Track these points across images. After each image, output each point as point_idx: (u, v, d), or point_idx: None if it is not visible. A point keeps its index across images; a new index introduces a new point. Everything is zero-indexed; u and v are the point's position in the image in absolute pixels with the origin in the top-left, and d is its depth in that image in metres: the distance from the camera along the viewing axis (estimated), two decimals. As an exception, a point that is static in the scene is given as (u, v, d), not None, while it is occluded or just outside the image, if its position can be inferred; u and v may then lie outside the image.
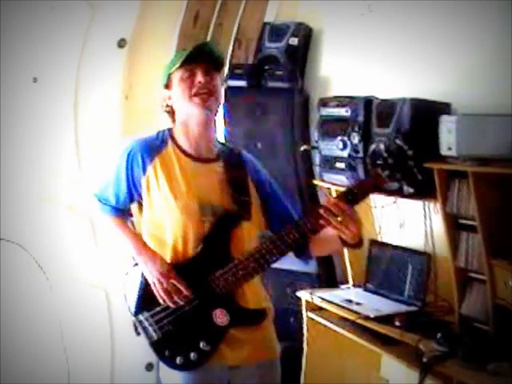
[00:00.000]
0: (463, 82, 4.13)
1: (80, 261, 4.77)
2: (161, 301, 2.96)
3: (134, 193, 3.05)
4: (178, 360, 2.94)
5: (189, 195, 2.97)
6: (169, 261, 3.00)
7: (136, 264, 3.07)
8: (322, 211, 2.82)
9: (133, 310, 3.06)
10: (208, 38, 5.42)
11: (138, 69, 5.00)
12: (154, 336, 2.97)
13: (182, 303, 2.94)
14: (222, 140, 4.99)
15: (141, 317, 3.02)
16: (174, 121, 3.11)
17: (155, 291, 2.97)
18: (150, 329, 2.98)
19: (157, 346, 2.98)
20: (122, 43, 4.93)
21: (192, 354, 2.93)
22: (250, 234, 3.04)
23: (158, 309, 2.99)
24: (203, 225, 2.97)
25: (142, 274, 3.02)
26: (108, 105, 4.88)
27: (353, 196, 2.86)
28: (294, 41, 5.15)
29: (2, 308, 4.47)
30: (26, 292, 4.57)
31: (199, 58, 3.00)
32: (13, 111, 4.52)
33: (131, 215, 3.17)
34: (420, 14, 4.41)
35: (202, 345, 2.93)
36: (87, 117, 4.81)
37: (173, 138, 3.08)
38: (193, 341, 2.95)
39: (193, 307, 2.96)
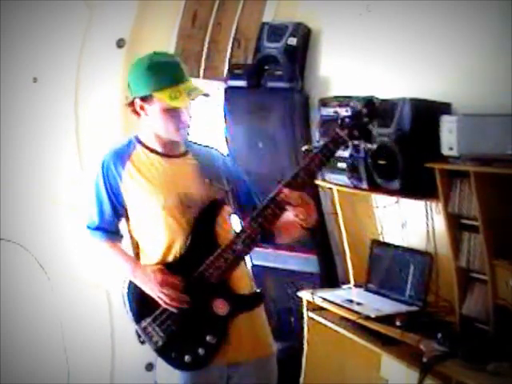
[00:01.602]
0: (463, 82, 4.13)
1: (81, 261, 4.76)
2: (172, 309, 2.98)
3: (116, 204, 3.08)
4: (187, 359, 2.96)
5: (166, 190, 3.02)
6: (159, 260, 3.04)
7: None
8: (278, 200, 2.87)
9: (134, 317, 3.08)
10: (207, 38, 5.42)
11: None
12: (160, 341, 2.99)
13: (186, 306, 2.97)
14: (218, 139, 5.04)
15: (144, 323, 3.03)
16: (138, 117, 3.10)
17: (162, 304, 2.99)
18: (155, 333, 3.00)
19: (162, 350, 3.00)
20: (120, 43, 4.92)
21: (200, 350, 2.95)
22: (229, 216, 3.11)
23: (158, 311, 3.01)
24: (186, 216, 3.01)
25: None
26: (108, 105, 4.87)
27: (301, 181, 2.88)
28: (293, 41, 5.15)
29: (2, 308, 4.46)
30: (27, 292, 4.56)
31: (179, 83, 2.98)
32: (13, 111, 4.51)
33: (122, 237, 3.19)
34: (420, 14, 4.41)
35: (208, 338, 2.95)
36: (88, 117, 4.81)
37: (140, 141, 3.12)
38: (198, 336, 2.96)
39: (191, 303, 2.97)
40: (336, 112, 3.07)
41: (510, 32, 3.80)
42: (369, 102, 2.98)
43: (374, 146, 4.09)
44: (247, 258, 3.15)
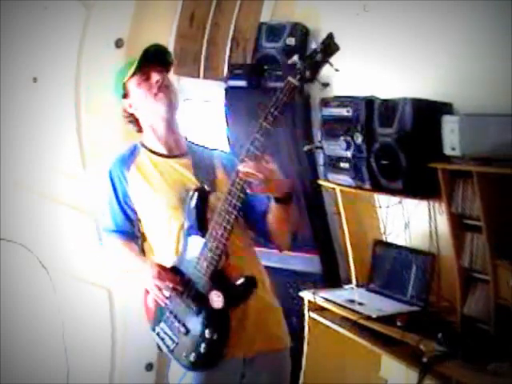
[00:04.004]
0: (464, 82, 4.14)
1: (83, 260, 4.76)
2: (162, 304, 3.06)
3: (128, 210, 3.15)
4: (192, 357, 2.96)
5: (167, 190, 3.06)
6: (169, 260, 3.06)
7: None
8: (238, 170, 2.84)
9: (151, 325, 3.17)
10: (205, 38, 5.41)
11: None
12: (171, 344, 3.04)
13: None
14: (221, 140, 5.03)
15: (157, 329, 3.11)
16: (139, 129, 3.21)
17: (154, 296, 3.07)
18: (167, 337, 3.06)
19: (174, 352, 3.04)
20: (119, 43, 4.91)
21: (202, 346, 2.94)
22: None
23: (167, 314, 3.06)
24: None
25: None
26: (109, 105, 4.86)
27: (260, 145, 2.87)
28: (291, 41, 5.16)
29: (3, 308, 4.45)
30: (29, 292, 4.55)
31: (150, 62, 3.10)
32: (13, 111, 4.50)
33: (137, 237, 3.23)
34: (419, 14, 4.42)
35: (207, 334, 2.93)
36: (89, 117, 4.80)
37: (143, 145, 3.19)
38: (200, 333, 2.96)
39: (191, 300, 2.98)
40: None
41: (510, 32, 3.80)
42: (327, 37, 2.80)
43: (377, 145, 4.10)
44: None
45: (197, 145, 3.28)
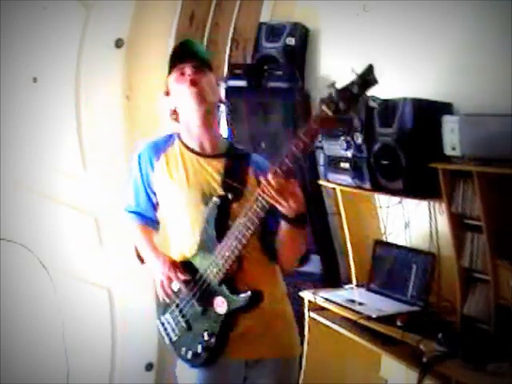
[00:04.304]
0: (464, 82, 4.14)
1: (83, 260, 4.77)
2: (160, 296, 3.10)
3: (149, 193, 3.15)
4: (189, 355, 3.00)
5: (191, 186, 3.05)
6: (180, 256, 3.09)
7: None
8: (261, 189, 2.79)
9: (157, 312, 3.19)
10: (205, 38, 5.41)
11: (137, 69, 5.01)
12: (173, 336, 3.09)
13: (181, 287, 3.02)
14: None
15: (163, 319, 3.14)
16: (180, 125, 3.18)
17: (160, 288, 3.09)
18: (170, 329, 3.10)
19: (175, 346, 3.09)
20: (119, 43, 4.92)
21: (199, 347, 2.97)
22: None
23: (173, 307, 3.09)
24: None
25: None
26: (109, 105, 4.88)
27: (286, 169, 2.77)
28: (291, 41, 5.16)
29: (4, 308, 4.45)
30: (29, 292, 4.56)
31: (186, 57, 3.08)
32: (13, 111, 4.50)
33: (157, 223, 3.25)
34: (419, 14, 4.42)
35: (205, 336, 2.95)
36: (89, 117, 4.81)
37: (180, 138, 3.16)
38: (198, 333, 2.99)
39: (197, 300, 3.00)
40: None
41: (510, 32, 3.80)
42: (367, 68, 2.74)
43: (377, 145, 4.10)
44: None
45: (236, 148, 3.22)
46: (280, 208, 2.79)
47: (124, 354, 5.05)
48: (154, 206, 3.18)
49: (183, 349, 3.03)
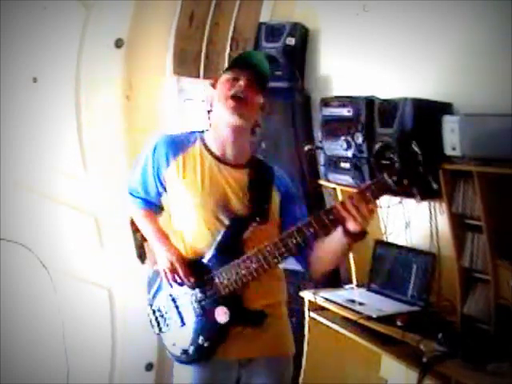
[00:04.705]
0: (464, 82, 4.14)
1: (83, 260, 4.77)
2: (167, 282, 3.06)
3: (159, 185, 3.11)
4: (179, 352, 3.01)
5: (206, 193, 3.01)
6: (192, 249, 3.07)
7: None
8: (340, 207, 2.79)
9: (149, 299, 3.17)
10: (205, 38, 5.41)
11: (137, 69, 5.00)
12: (163, 327, 3.10)
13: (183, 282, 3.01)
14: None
15: (154, 306, 3.13)
16: (210, 122, 3.14)
17: (163, 275, 3.06)
18: (161, 319, 3.10)
19: (164, 336, 3.11)
20: (119, 43, 4.92)
21: (191, 348, 2.98)
22: (267, 236, 2.98)
23: (170, 300, 3.08)
24: (218, 224, 2.99)
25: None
26: (109, 105, 4.87)
27: (371, 192, 2.79)
28: (291, 41, 5.16)
29: (4, 308, 4.45)
30: (29, 292, 4.56)
31: (248, 67, 3.07)
32: (13, 111, 4.50)
33: (162, 208, 3.21)
34: (420, 14, 4.42)
35: (200, 340, 2.96)
36: (89, 117, 4.80)
37: (202, 139, 3.12)
38: (191, 334, 2.99)
39: (198, 302, 2.99)
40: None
41: (510, 32, 3.80)
42: (429, 151, 2.74)
43: (377, 145, 4.11)
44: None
45: (259, 159, 3.20)
46: (352, 225, 2.78)
47: (124, 353, 5.04)
48: (160, 194, 3.14)
49: (172, 342, 3.04)
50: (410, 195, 3.71)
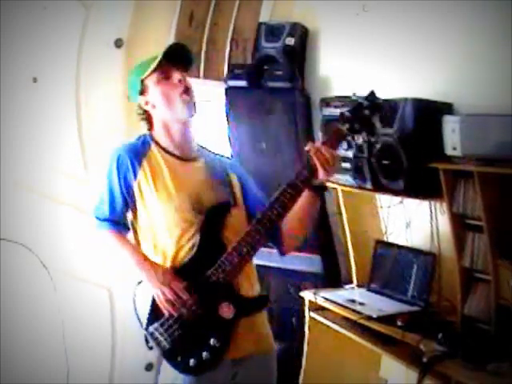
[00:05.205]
0: (464, 82, 4.14)
1: (83, 261, 4.76)
2: (165, 312, 2.96)
3: (128, 199, 3.06)
4: (192, 362, 2.93)
5: (180, 192, 3.01)
6: (168, 263, 3.02)
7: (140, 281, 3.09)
8: (312, 152, 2.91)
9: (144, 323, 3.05)
10: (204, 38, 5.42)
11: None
12: (166, 345, 2.96)
13: (185, 312, 2.94)
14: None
15: (151, 328, 3.00)
16: (151, 126, 3.14)
17: (158, 302, 2.98)
18: (162, 338, 2.97)
19: (169, 354, 2.97)
20: (119, 43, 4.92)
21: (204, 354, 2.92)
22: (239, 221, 3.06)
23: (166, 316, 2.98)
24: (197, 220, 3.00)
25: None
26: (109, 105, 4.87)
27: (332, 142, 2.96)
28: (291, 41, 5.16)
29: (4, 308, 4.45)
30: (29, 292, 4.55)
31: (171, 60, 3.06)
32: (13, 111, 4.50)
33: (129, 229, 3.15)
34: (420, 14, 4.42)
35: (212, 342, 2.93)
36: (89, 117, 4.81)
37: (155, 141, 3.11)
38: (203, 340, 2.94)
39: (199, 306, 2.95)
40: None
41: (510, 32, 3.81)
42: (370, 94, 2.97)
43: (378, 145, 4.10)
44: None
45: (208, 150, 3.24)
46: (321, 173, 2.90)
47: (124, 353, 5.04)
48: (127, 209, 3.09)
49: (179, 357, 2.95)
50: (410, 195, 3.75)
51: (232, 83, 5.21)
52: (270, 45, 5.23)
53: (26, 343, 4.59)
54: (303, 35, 5.26)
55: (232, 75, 5.24)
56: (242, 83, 5.16)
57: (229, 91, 5.20)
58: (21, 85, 4.56)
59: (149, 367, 5.13)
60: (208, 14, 5.42)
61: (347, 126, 2.91)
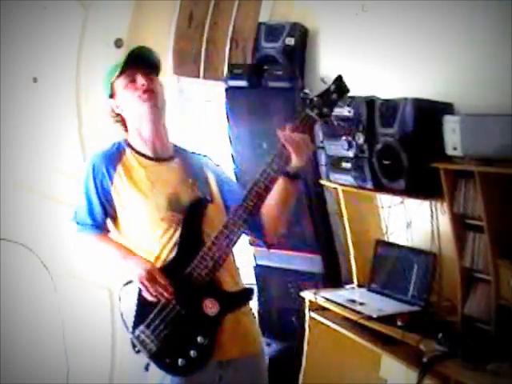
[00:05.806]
0: (464, 82, 4.15)
1: (84, 260, 4.74)
2: (152, 298, 2.95)
3: (106, 206, 3.09)
4: (180, 362, 2.91)
5: (156, 193, 3.03)
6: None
7: (127, 282, 3.09)
8: (283, 138, 2.93)
9: (130, 327, 3.05)
10: (204, 38, 5.42)
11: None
12: (153, 347, 2.94)
13: (171, 299, 2.93)
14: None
15: (137, 331, 3.00)
16: (126, 129, 3.17)
17: (145, 291, 2.97)
18: (148, 340, 2.96)
19: (157, 357, 2.95)
20: (118, 43, 4.93)
21: (192, 352, 2.91)
22: (218, 216, 3.06)
23: (151, 317, 2.97)
24: (176, 219, 3.01)
25: (139, 292, 3.03)
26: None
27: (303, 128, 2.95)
28: (291, 41, 5.16)
29: (4, 308, 4.45)
30: (29, 292, 4.56)
31: (137, 64, 3.07)
32: (13, 111, 4.50)
33: (109, 231, 3.18)
34: (420, 14, 4.42)
35: (199, 339, 2.91)
36: (89, 116, 4.81)
37: (129, 145, 3.14)
38: (190, 338, 2.93)
39: (183, 304, 2.95)
40: (306, 94, 3.08)
41: (510, 32, 3.81)
42: (337, 79, 2.96)
43: (378, 145, 4.11)
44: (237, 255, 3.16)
45: (183, 149, 3.25)
46: (295, 158, 2.92)
47: (124, 353, 5.03)
48: (107, 216, 3.13)
49: (167, 359, 2.92)
50: (410, 195, 3.75)
51: (232, 83, 5.20)
52: (270, 45, 5.23)
53: (26, 343, 4.59)
54: (303, 35, 5.26)
55: (232, 75, 5.23)
56: (242, 83, 5.15)
57: (229, 91, 5.20)
58: (21, 85, 4.57)
59: (149, 367, 5.12)
60: (207, 14, 5.42)
61: (316, 111, 2.92)
